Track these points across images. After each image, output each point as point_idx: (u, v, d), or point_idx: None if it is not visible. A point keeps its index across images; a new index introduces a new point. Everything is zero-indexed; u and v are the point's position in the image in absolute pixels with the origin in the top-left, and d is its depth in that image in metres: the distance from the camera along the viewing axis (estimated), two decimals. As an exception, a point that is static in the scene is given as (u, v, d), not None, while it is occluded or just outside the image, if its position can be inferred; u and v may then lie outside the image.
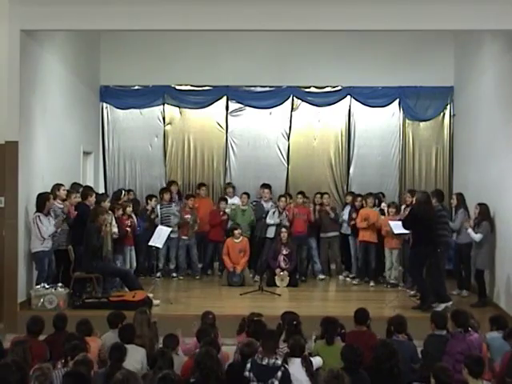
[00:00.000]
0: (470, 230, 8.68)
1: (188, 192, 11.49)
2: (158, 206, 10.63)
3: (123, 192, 10.30)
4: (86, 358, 4.71)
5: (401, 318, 5.92)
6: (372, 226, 10.06)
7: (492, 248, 8.74)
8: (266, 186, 11.03)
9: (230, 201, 11.03)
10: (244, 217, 10.67)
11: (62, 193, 8.73)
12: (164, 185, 11.63)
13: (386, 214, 9.99)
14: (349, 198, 10.72)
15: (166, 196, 10.71)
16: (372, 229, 10.10)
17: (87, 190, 9.16)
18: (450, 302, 8.09)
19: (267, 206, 10.74)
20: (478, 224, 8.70)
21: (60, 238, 8.58)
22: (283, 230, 10.14)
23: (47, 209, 8.31)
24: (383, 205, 10.25)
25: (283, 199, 10.52)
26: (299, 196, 10.73)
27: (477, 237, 8.60)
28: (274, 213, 10.47)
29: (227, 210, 10.84)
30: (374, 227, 10.09)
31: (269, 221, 10.47)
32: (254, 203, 11.07)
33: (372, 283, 10.11)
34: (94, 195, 9.12)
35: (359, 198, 10.42)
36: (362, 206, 10.32)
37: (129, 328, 5.70)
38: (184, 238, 10.62)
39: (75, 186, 9.51)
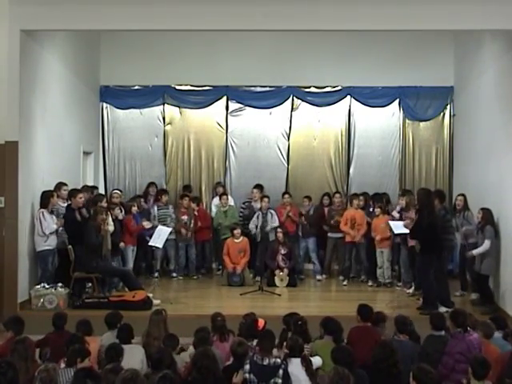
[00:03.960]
0: (475, 252, 8.42)
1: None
2: (156, 208, 10.64)
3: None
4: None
5: (404, 317, 5.92)
6: (358, 226, 10.14)
7: (496, 252, 8.49)
8: (256, 186, 11.07)
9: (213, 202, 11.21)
10: (227, 217, 10.67)
11: (64, 193, 8.74)
12: (164, 185, 11.67)
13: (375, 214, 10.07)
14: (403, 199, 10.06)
15: (164, 198, 10.71)
16: (358, 229, 10.15)
17: (72, 191, 8.87)
18: (451, 309, 8.04)
19: (256, 206, 10.71)
20: (481, 229, 8.49)
21: (60, 239, 8.58)
22: (278, 230, 10.16)
23: (51, 206, 8.38)
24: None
25: (266, 199, 10.54)
26: (286, 196, 10.80)
27: (485, 246, 8.29)
28: (257, 216, 10.38)
29: (213, 211, 10.95)
30: (362, 227, 10.14)
31: (251, 226, 10.42)
32: (246, 204, 11.09)
33: (370, 283, 10.14)
34: (80, 195, 8.79)
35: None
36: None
37: (127, 328, 5.70)
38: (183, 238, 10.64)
39: (86, 188, 9.56)
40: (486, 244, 8.32)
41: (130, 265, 9.71)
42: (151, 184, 11.27)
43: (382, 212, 10.02)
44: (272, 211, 10.53)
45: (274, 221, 10.42)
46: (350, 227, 10.18)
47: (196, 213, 10.70)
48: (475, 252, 8.42)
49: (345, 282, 10.29)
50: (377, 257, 10.08)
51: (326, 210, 10.75)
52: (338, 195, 10.83)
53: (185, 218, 10.58)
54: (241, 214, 11.07)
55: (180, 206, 10.79)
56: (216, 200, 11.09)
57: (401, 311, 7.33)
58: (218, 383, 4.62)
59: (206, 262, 11.09)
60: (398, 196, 10.73)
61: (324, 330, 5.78)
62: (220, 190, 11.13)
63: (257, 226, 10.33)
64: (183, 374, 5.06)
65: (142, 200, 10.76)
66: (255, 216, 10.44)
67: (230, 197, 11.07)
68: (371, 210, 10.39)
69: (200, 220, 10.69)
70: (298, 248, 10.81)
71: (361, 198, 10.55)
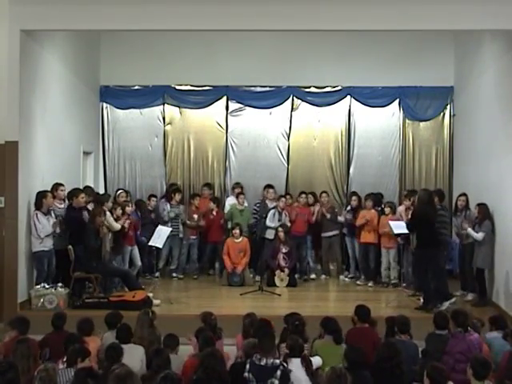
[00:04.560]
0: (469, 230, 8.67)
1: (189, 192, 11.55)
2: (168, 206, 10.61)
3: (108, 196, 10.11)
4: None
5: (404, 318, 5.92)
6: (371, 226, 10.08)
7: (492, 247, 8.72)
8: (270, 186, 11.03)
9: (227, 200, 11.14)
10: (242, 217, 10.67)
11: (61, 193, 8.72)
12: (164, 185, 11.67)
13: (384, 213, 10.02)
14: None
15: (178, 197, 10.70)
16: (371, 229, 10.11)
17: (74, 191, 8.87)
18: (454, 299, 8.12)
19: (271, 205, 10.67)
20: (479, 224, 8.67)
21: (60, 239, 8.56)
22: (279, 229, 10.14)
23: (46, 207, 8.29)
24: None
25: (283, 199, 10.53)
26: (303, 196, 10.75)
27: (479, 236, 8.56)
28: (274, 215, 10.39)
29: (227, 208, 10.91)
30: (373, 228, 10.09)
31: (269, 223, 10.36)
32: (258, 204, 11.05)
33: (371, 283, 10.12)
34: (82, 195, 8.84)
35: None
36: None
37: (125, 328, 5.70)
38: (193, 237, 10.67)
39: (87, 189, 9.55)
40: (480, 235, 8.53)
41: (138, 264, 9.67)
42: (172, 186, 11.27)
43: (392, 212, 9.99)
44: (285, 211, 10.52)
45: (286, 220, 10.45)
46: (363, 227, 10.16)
47: (214, 213, 10.71)
48: (469, 230, 8.63)
49: (363, 282, 10.21)
50: (382, 257, 10.06)
51: (311, 208, 10.71)
52: (324, 194, 10.82)
53: (195, 216, 10.62)
54: (255, 216, 10.99)
55: (191, 205, 10.81)
56: (230, 199, 11.06)
57: (401, 311, 7.34)
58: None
59: (220, 262, 10.96)
60: (400, 196, 10.76)
61: (324, 330, 5.79)
62: (238, 189, 11.07)
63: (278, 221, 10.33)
64: (181, 373, 5.05)
65: (154, 199, 10.73)
66: (271, 213, 10.37)
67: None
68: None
69: (216, 221, 10.68)
70: (306, 248, 10.78)
71: (354, 198, 10.57)
